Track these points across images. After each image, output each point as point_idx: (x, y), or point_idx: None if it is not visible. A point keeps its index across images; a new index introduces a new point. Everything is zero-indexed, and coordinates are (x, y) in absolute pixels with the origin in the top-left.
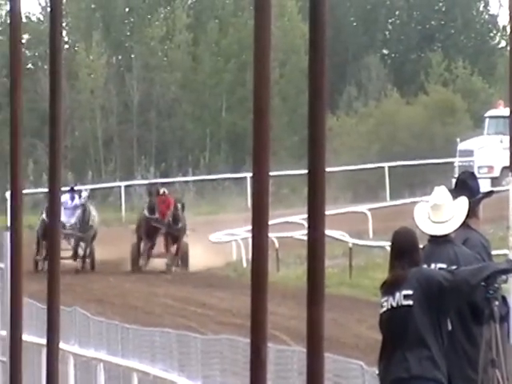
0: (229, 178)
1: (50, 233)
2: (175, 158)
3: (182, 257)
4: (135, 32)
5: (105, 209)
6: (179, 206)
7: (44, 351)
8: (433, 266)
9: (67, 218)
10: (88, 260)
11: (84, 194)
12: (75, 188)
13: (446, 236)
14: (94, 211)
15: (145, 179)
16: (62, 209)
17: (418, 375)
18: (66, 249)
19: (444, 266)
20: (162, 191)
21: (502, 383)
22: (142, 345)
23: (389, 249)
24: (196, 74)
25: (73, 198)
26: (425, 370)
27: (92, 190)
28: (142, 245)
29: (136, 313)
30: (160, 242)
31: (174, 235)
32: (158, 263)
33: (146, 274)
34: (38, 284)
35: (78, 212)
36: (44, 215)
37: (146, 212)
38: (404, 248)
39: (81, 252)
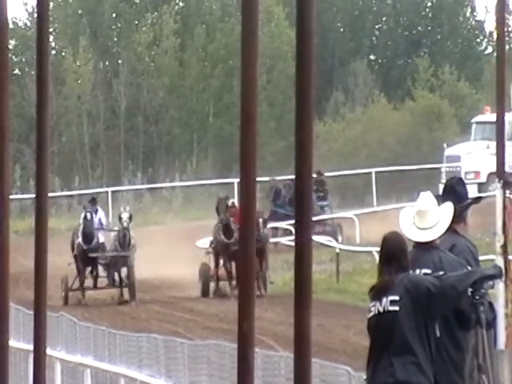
0: (216, 184)
1: (36, 236)
2: (162, 164)
3: (262, 281)
4: (122, 37)
5: None
6: (261, 221)
7: (31, 357)
8: (417, 271)
9: (94, 238)
10: (126, 288)
11: (125, 216)
12: (95, 198)
13: (431, 242)
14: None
15: (132, 185)
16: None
17: (403, 380)
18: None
19: (429, 271)
20: (231, 203)
21: None
22: (129, 350)
23: (376, 254)
24: (183, 80)
25: (96, 211)
26: (410, 375)
27: (79, 195)
28: (215, 267)
29: (124, 317)
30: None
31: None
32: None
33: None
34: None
35: (113, 233)
36: (80, 239)
37: (222, 236)
38: (393, 253)
39: (117, 278)
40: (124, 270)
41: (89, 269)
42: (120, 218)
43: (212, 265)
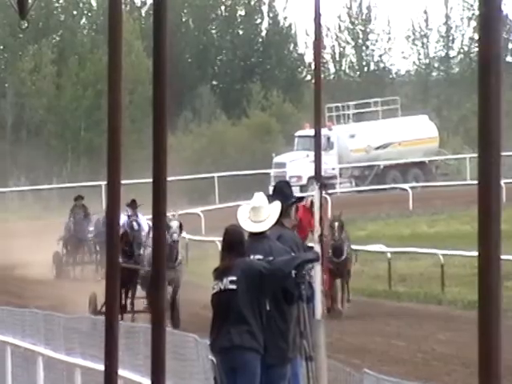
0: (87, 186)
1: None
2: (42, 169)
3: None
4: (9, 65)
5: None
6: (336, 225)
7: None
8: (252, 256)
9: (135, 248)
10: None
11: (174, 225)
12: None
13: (262, 233)
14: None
15: (17, 186)
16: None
17: (238, 345)
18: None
19: (261, 256)
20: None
21: (308, 351)
22: (14, 323)
23: (218, 243)
24: (59, 100)
25: (136, 217)
26: (244, 340)
27: None
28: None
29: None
30: None
31: (339, 270)
32: None
33: None
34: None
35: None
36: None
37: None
38: (232, 242)
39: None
40: (168, 291)
41: (125, 289)
42: (169, 228)
43: None
